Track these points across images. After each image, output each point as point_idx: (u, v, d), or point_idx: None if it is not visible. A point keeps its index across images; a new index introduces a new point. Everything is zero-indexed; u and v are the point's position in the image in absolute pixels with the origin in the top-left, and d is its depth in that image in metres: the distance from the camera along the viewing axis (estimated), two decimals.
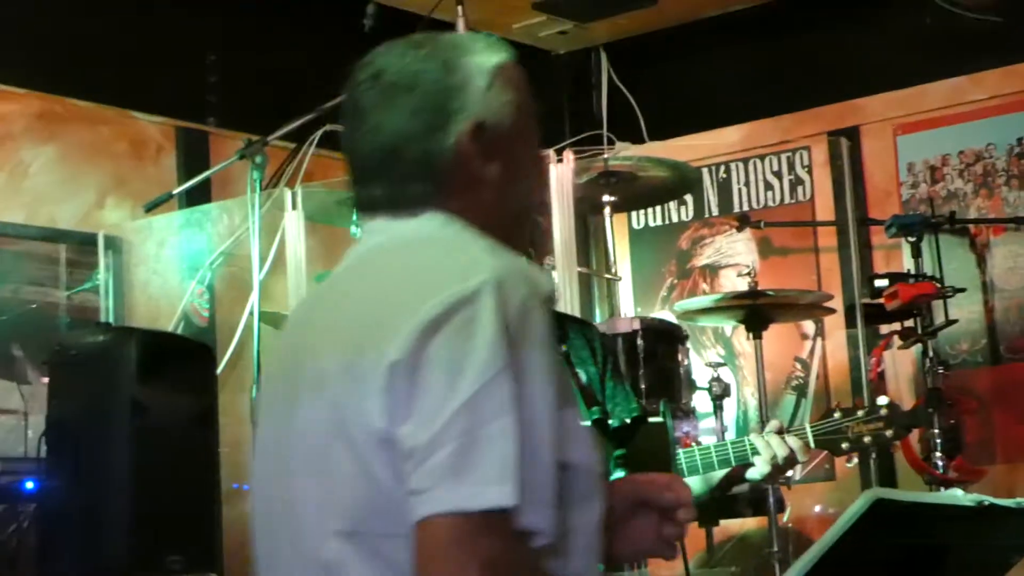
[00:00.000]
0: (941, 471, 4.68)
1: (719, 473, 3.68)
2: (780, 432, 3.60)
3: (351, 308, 1.92)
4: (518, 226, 2.03)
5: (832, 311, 5.15)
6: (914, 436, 4.76)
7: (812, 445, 3.63)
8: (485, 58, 2.00)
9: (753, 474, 3.64)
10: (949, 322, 5.01)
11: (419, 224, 1.97)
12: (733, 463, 3.64)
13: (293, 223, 4.70)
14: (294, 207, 4.71)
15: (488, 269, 1.83)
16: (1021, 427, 5.37)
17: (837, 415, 3.68)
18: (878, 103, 5.79)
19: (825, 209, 5.89)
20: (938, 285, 4.95)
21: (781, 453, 3.58)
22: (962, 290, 5.13)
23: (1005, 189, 5.55)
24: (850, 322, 5.56)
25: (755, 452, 3.60)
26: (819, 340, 5.76)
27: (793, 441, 3.59)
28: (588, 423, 2.93)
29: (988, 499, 2.62)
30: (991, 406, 5.41)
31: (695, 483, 3.70)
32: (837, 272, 5.74)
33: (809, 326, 5.77)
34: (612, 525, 2.06)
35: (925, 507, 2.65)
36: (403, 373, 1.78)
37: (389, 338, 1.80)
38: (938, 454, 4.69)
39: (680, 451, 3.72)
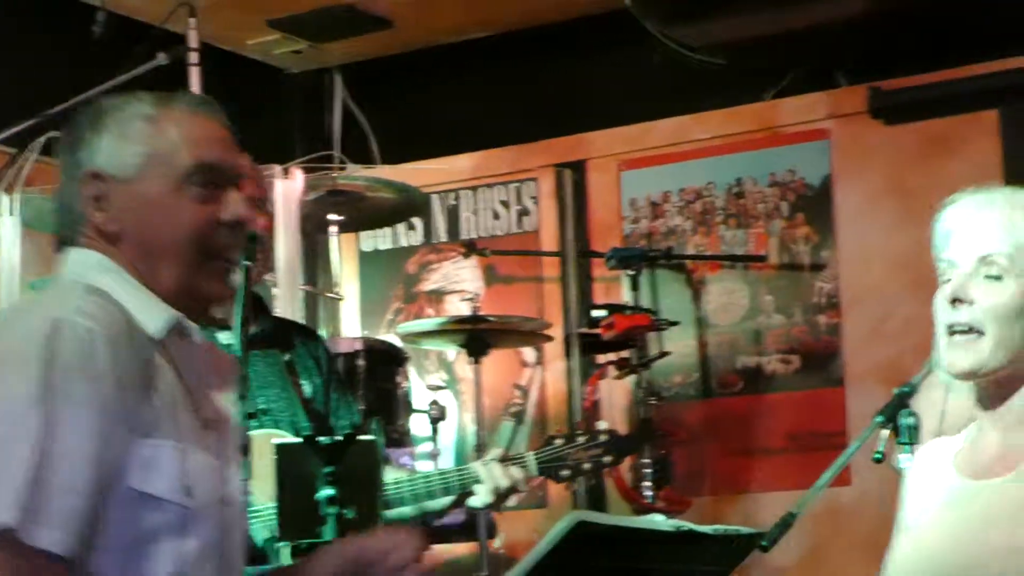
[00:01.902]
0: (649, 500, 4.78)
1: (441, 501, 3.70)
2: (503, 460, 3.63)
3: None
4: (154, 274, 2.14)
5: (551, 339, 5.23)
6: (624, 465, 4.85)
7: (535, 473, 3.68)
8: (124, 109, 2.15)
9: (475, 502, 3.67)
10: (662, 354, 5.13)
11: (71, 260, 2.17)
12: (456, 491, 3.67)
13: (8, 229, 4.59)
14: (11, 213, 4.60)
15: (48, 309, 2.04)
16: (729, 460, 5.50)
17: (559, 442, 3.72)
18: (604, 138, 5.89)
19: (550, 240, 5.97)
20: (653, 318, 5.06)
21: (503, 483, 3.61)
22: (676, 323, 5.27)
23: (723, 227, 5.70)
24: (569, 351, 5.64)
25: (477, 480, 3.63)
26: (539, 368, 5.82)
27: (515, 470, 3.62)
28: (298, 439, 2.92)
29: (687, 525, 2.68)
30: (701, 438, 5.53)
31: (408, 509, 3.71)
32: (559, 302, 5.82)
33: (530, 354, 5.83)
34: None
35: (626, 530, 2.69)
36: None
37: None
38: (647, 484, 4.78)
39: (405, 477, 3.71)
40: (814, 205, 5.55)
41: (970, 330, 2.34)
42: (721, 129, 5.67)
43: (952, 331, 2.36)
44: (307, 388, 3.67)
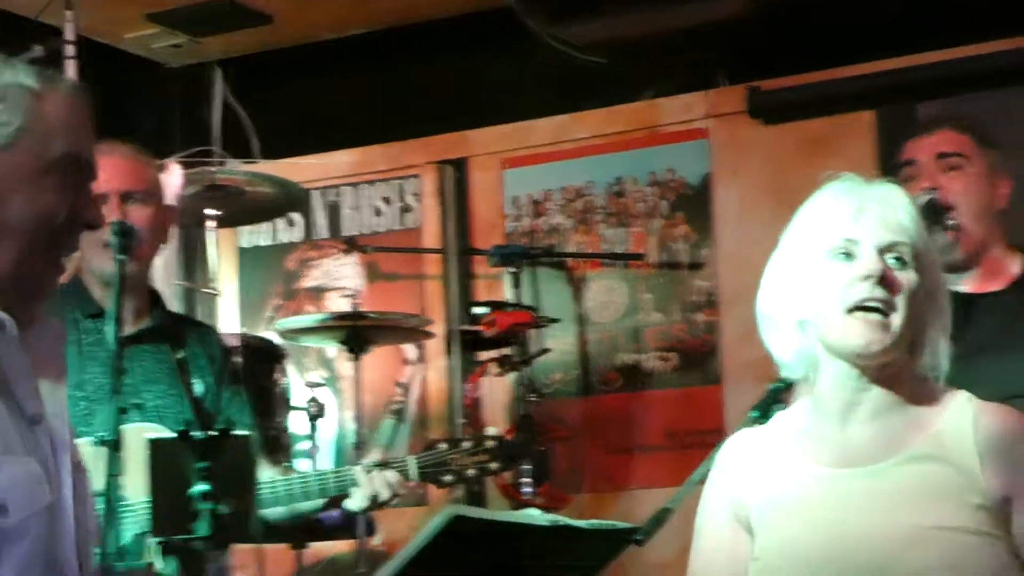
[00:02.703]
0: (529, 497, 4.78)
1: (316, 502, 3.69)
2: (384, 465, 3.62)
3: None
4: (16, 242, 2.06)
5: (432, 336, 5.22)
6: None
7: (416, 478, 3.67)
8: (3, 78, 2.08)
9: (351, 505, 3.66)
10: (543, 351, 5.15)
11: None
12: (332, 493, 3.65)
13: None
14: None
15: None
16: (609, 457, 5.53)
17: (442, 447, 3.71)
18: (487, 136, 5.90)
19: (432, 237, 5.96)
20: (534, 315, 5.08)
21: (383, 492, 3.60)
22: (556, 320, 5.29)
23: (603, 226, 5.72)
24: (450, 348, 5.64)
25: (354, 484, 3.62)
26: (420, 365, 5.81)
27: (393, 476, 3.61)
28: (172, 434, 2.89)
29: (563, 520, 2.68)
30: (581, 435, 5.56)
31: (281, 509, 3.69)
32: (441, 299, 5.81)
33: (411, 351, 5.82)
34: None
35: (502, 525, 2.69)
36: None
37: None
38: (526, 480, 4.79)
39: (280, 476, 3.69)
40: (693, 204, 5.59)
41: (885, 310, 2.34)
42: (602, 128, 5.70)
43: (862, 308, 2.35)
44: (199, 386, 3.63)
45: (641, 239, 5.67)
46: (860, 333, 2.35)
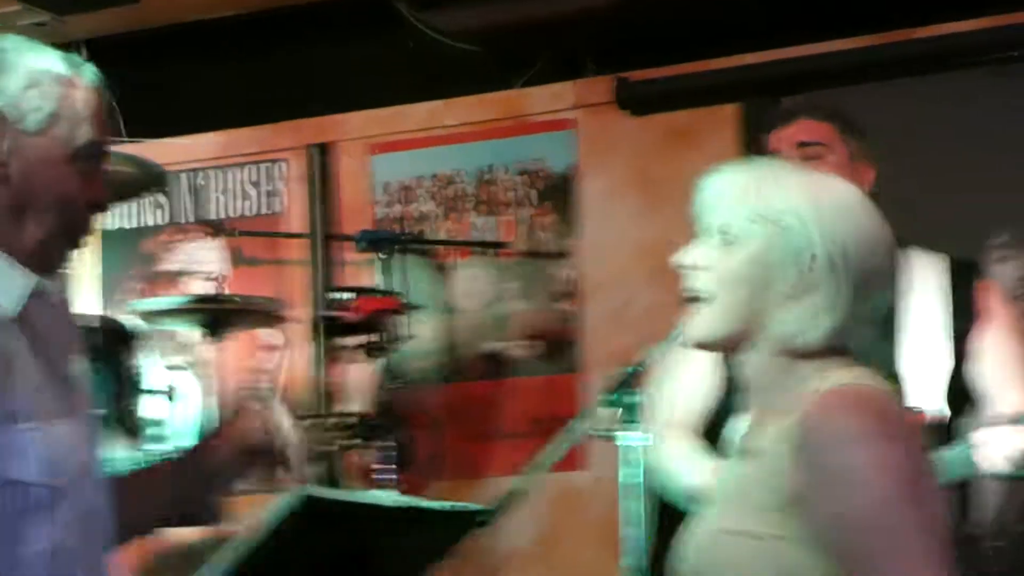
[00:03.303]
0: (387, 482, 4.78)
1: None
2: None
3: None
4: (20, 232, 2.11)
5: (296, 321, 5.20)
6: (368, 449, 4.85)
7: None
8: (42, 62, 2.13)
9: None
10: (408, 338, 5.14)
11: None
12: None
13: None
14: None
15: None
16: (470, 444, 5.55)
17: (305, 423, 3.71)
18: (356, 120, 5.88)
19: (300, 222, 5.94)
20: (399, 301, 5.07)
21: None
22: (421, 307, 5.29)
23: (473, 214, 5.74)
24: (315, 334, 5.60)
25: None
26: (284, 350, 5.78)
27: None
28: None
29: (414, 500, 2.69)
30: (444, 423, 5.56)
31: None
32: (307, 284, 5.79)
33: (276, 336, 5.78)
34: None
35: (353, 506, 2.70)
36: None
37: None
38: (386, 466, 4.78)
39: (133, 455, 3.67)
40: (560, 193, 5.63)
41: (701, 298, 2.30)
42: (471, 116, 5.71)
43: (688, 299, 2.32)
44: None
45: (510, 228, 5.69)
46: (687, 324, 2.32)
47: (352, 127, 5.90)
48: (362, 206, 5.85)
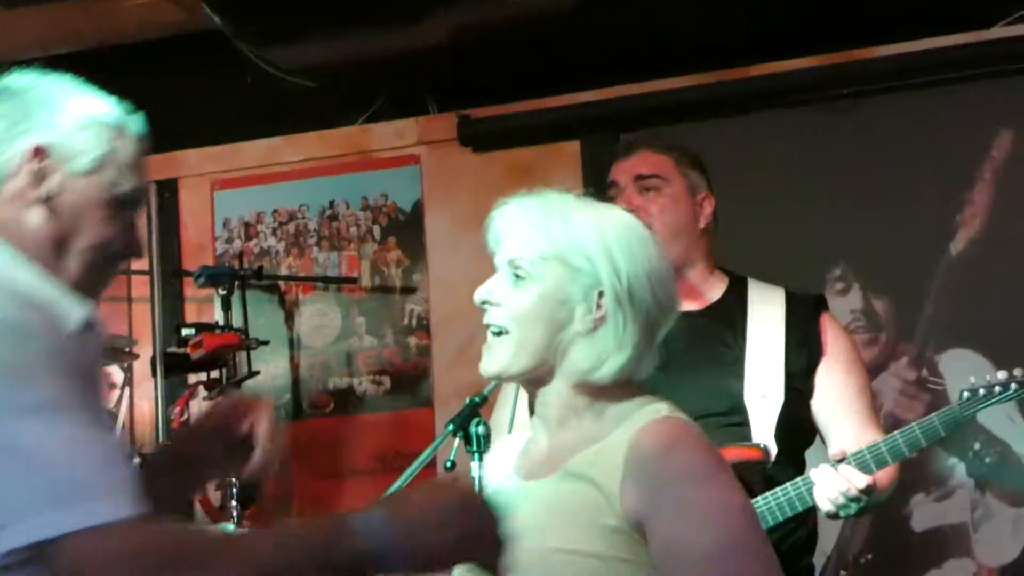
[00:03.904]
0: (236, 520, 4.76)
1: None
2: None
3: None
4: (68, 263, 2.10)
5: (136, 356, 5.16)
6: (212, 484, 4.82)
7: None
8: (94, 106, 2.15)
9: None
10: (252, 374, 5.13)
11: None
12: None
13: None
14: None
15: None
16: (317, 481, 5.53)
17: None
18: (197, 157, 5.86)
19: (141, 259, 5.87)
20: (242, 337, 5.06)
21: None
22: (266, 342, 5.28)
23: (316, 249, 5.73)
24: (157, 371, 5.55)
25: None
26: (126, 388, 5.72)
27: None
28: None
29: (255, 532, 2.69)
30: (291, 459, 5.53)
31: None
32: (148, 321, 5.71)
33: (118, 374, 5.71)
34: None
35: None
36: None
37: None
38: (234, 503, 4.76)
39: None
40: (406, 229, 5.64)
41: (500, 332, 2.34)
42: (314, 152, 5.71)
43: (491, 332, 2.36)
44: None
45: (354, 263, 5.70)
46: (484, 357, 2.38)
47: (192, 163, 5.87)
48: (203, 242, 5.82)
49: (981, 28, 4.99)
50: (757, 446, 3.46)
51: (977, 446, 4.90)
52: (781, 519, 3.36)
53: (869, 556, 5.02)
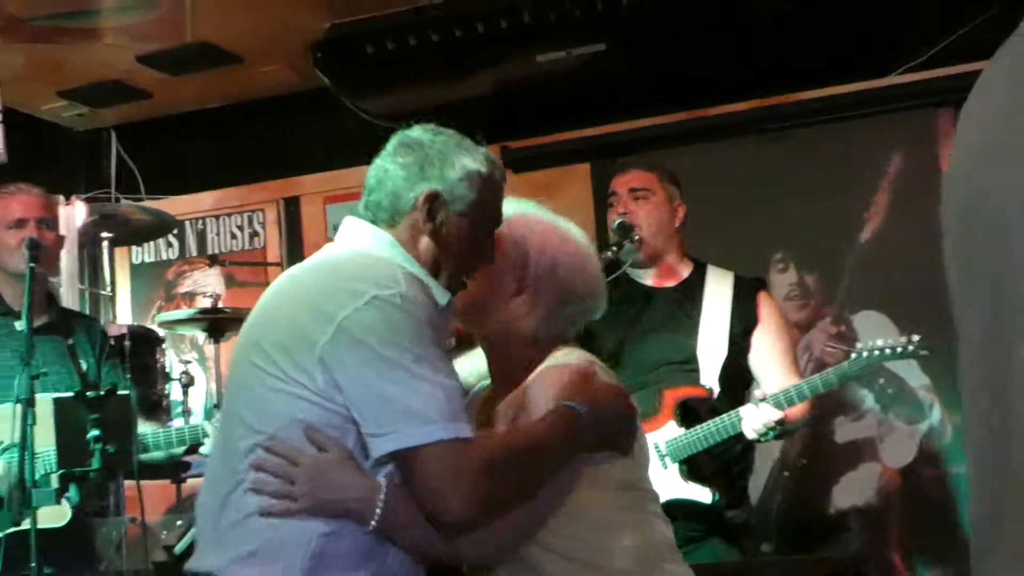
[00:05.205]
0: None
1: (179, 449, 3.70)
2: None
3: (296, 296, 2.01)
4: (443, 270, 2.08)
5: None
6: None
7: None
8: (473, 163, 2.09)
9: (205, 450, 3.68)
10: None
11: (373, 236, 2.08)
12: (188, 442, 3.66)
13: None
14: None
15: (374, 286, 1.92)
16: None
17: None
18: (313, 180, 5.89)
19: (274, 254, 5.95)
20: None
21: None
22: None
23: None
24: None
25: (205, 435, 3.63)
26: None
27: None
28: (71, 394, 2.86)
29: None
30: None
31: (160, 453, 3.69)
32: None
33: None
34: None
35: None
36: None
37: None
38: None
39: (150, 431, 3.67)
40: None
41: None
42: None
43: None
44: (84, 364, 3.60)
45: None
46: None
47: (310, 184, 5.91)
48: (319, 242, 5.82)
49: (880, 76, 4.98)
50: (704, 387, 3.51)
51: (882, 381, 4.89)
52: (720, 440, 3.41)
53: (804, 461, 5.02)
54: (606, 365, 2.22)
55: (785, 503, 4.97)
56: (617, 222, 3.63)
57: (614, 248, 3.57)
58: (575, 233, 2.26)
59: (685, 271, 3.68)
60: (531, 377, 2.13)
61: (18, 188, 3.69)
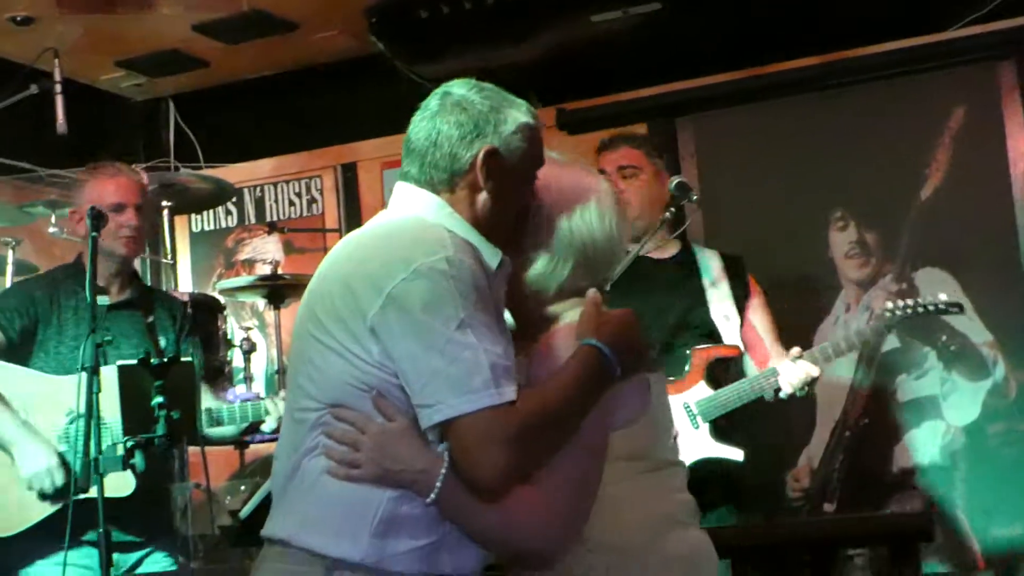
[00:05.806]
0: None
1: (242, 425, 3.72)
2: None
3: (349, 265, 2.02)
4: (495, 227, 2.08)
5: None
6: None
7: None
8: (521, 115, 2.09)
9: (266, 428, 3.70)
10: None
11: (425, 201, 2.05)
12: (251, 419, 3.70)
13: None
14: None
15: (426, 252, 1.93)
16: None
17: None
18: (369, 146, 5.90)
19: (332, 221, 5.97)
20: None
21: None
22: None
23: None
24: None
25: (267, 412, 3.66)
26: None
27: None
28: (136, 361, 2.89)
29: None
30: None
31: (232, 427, 3.71)
32: None
33: None
34: None
35: None
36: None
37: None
38: None
39: (214, 407, 3.69)
40: None
41: None
42: None
43: None
44: (163, 340, 3.63)
45: None
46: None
47: (367, 150, 5.92)
48: (376, 207, 5.80)
49: (941, 31, 4.90)
50: (736, 347, 3.67)
51: (944, 338, 4.85)
52: (753, 398, 3.56)
53: (866, 421, 4.99)
54: None
55: (847, 463, 4.94)
56: (675, 182, 3.67)
57: (671, 209, 3.60)
58: (595, 184, 2.23)
59: (673, 248, 3.83)
60: (555, 340, 2.08)
61: (117, 170, 3.64)
